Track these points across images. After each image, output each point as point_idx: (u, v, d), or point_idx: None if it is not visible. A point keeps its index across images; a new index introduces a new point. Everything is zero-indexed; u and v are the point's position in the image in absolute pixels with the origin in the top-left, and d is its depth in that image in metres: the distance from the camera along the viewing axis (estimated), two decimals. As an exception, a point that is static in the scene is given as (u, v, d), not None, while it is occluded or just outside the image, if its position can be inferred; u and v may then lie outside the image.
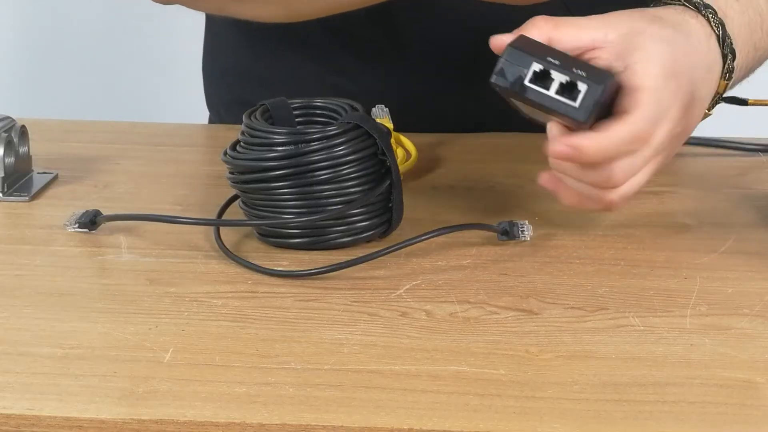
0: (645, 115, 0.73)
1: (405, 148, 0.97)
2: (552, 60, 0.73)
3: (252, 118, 0.81)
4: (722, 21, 0.79)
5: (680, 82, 0.75)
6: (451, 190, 0.92)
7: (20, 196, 0.89)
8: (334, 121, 0.83)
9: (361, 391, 0.63)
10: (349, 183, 0.78)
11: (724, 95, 0.82)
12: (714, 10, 0.80)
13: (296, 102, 0.85)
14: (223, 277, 0.76)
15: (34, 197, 0.89)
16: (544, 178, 0.78)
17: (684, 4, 0.80)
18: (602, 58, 0.75)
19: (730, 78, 0.81)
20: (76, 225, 0.83)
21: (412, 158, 0.95)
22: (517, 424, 0.60)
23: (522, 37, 0.74)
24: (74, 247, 0.81)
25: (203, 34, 1.19)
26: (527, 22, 0.75)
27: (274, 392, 0.63)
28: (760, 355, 0.67)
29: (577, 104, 0.72)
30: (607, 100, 0.73)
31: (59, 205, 0.88)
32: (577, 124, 0.73)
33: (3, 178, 0.89)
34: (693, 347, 0.68)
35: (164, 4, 0.98)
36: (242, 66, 1.13)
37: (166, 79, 2.02)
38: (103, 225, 0.83)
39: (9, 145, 0.89)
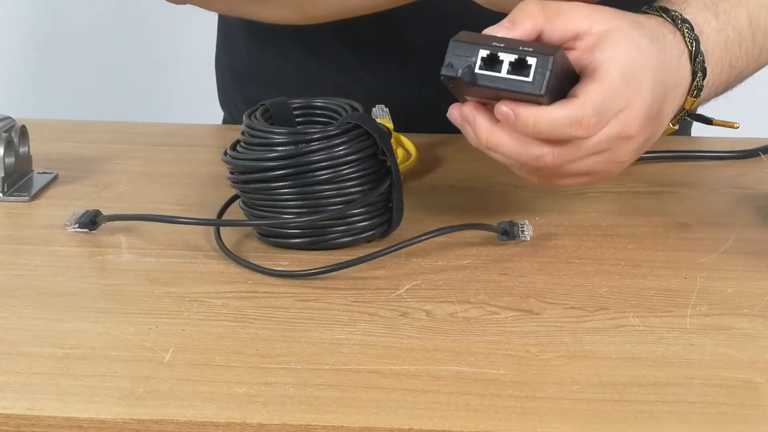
0: (590, 104, 0.73)
1: (405, 148, 0.97)
2: (497, 44, 0.73)
3: (252, 118, 0.81)
4: (697, 37, 0.79)
5: (639, 90, 0.75)
6: (451, 190, 0.92)
7: (20, 196, 0.89)
8: (334, 121, 0.83)
9: (361, 391, 0.63)
10: (349, 183, 0.78)
11: (690, 111, 0.82)
12: (691, 25, 0.80)
13: (296, 102, 0.85)
14: (223, 277, 0.76)
15: (34, 197, 0.89)
16: (454, 113, 0.77)
17: (663, 16, 0.80)
18: (577, 49, 0.75)
19: (698, 95, 0.80)
20: (76, 225, 0.83)
21: (412, 158, 0.95)
22: (517, 424, 0.60)
23: (464, 32, 0.75)
24: (74, 247, 0.81)
25: (215, 34, 1.19)
26: (518, 8, 0.75)
27: (274, 392, 0.63)
28: (760, 355, 0.67)
29: (530, 78, 0.72)
30: (561, 77, 0.73)
31: (59, 205, 0.88)
32: (535, 99, 0.72)
33: (3, 178, 0.89)
34: (693, 347, 0.67)
35: (177, 3, 0.98)
36: (252, 65, 1.13)
37: (180, 78, 2.01)
38: (103, 225, 0.83)
39: (9, 145, 0.89)
